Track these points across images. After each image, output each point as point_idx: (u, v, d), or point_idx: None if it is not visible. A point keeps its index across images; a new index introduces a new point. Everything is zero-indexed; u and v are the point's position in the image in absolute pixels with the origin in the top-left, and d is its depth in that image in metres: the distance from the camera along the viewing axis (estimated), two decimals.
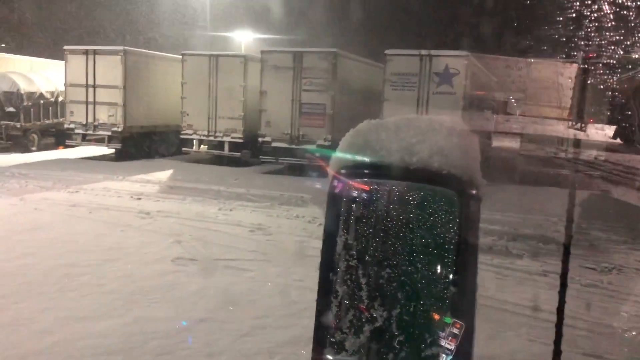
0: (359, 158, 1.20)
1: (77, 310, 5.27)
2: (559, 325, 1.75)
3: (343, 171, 1.22)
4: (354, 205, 1.27)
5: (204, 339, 4.77)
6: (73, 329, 4.84)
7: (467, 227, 1.13)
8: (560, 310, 1.79)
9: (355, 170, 1.22)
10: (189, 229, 8.62)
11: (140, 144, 17.99)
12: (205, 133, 17.44)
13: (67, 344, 4.55)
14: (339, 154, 1.24)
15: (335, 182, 1.23)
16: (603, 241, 9.11)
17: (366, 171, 1.21)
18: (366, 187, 1.24)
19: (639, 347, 5.24)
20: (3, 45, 29.62)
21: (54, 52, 22.32)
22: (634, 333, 5.45)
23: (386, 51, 15.36)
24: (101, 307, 5.36)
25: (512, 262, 7.60)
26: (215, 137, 17.38)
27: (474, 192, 1.13)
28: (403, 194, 1.22)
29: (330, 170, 1.24)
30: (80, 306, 5.36)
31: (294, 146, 15.89)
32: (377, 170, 1.19)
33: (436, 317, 1.16)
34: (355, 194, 1.25)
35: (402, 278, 1.22)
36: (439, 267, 1.19)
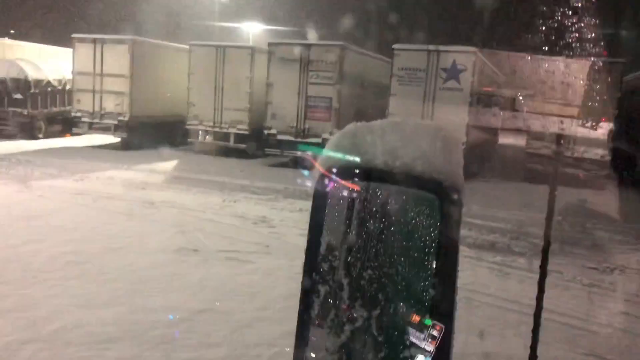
0: (345, 159, 1.21)
1: (80, 297, 5.30)
2: (535, 328, 1.77)
3: (331, 171, 1.23)
4: (338, 206, 1.28)
5: (204, 329, 4.80)
6: (75, 316, 4.88)
7: (448, 230, 1.14)
8: (537, 314, 1.80)
9: (341, 171, 1.23)
10: (193, 220, 8.65)
11: (146, 133, 17.99)
12: (211, 124, 17.44)
13: (68, 331, 4.58)
14: (328, 154, 1.25)
15: (321, 182, 1.25)
16: (606, 241, 9.09)
17: (352, 173, 1.22)
18: (353, 187, 1.25)
19: (639, 347, 5.24)
20: (12, 32, 29.67)
21: (62, 39, 22.31)
22: (634, 333, 5.45)
23: (394, 45, 15.29)
24: (103, 296, 5.40)
25: (514, 260, 7.59)
26: (221, 128, 17.38)
27: (455, 196, 1.14)
28: (386, 197, 1.24)
29: (318, 169, 1.25)
30: (82, 294, 5.40)
31: (299, 139, 15.87)
32: (362, 173, 1.20)
33: (416, 318, 1.17)
34: (340, 194, 1.27)
35: (384, 279, 1.23)
36: (419, 270, 1.21)
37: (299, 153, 15.32)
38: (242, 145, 17.21)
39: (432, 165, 1.14)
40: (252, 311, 5.27)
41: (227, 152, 17.48)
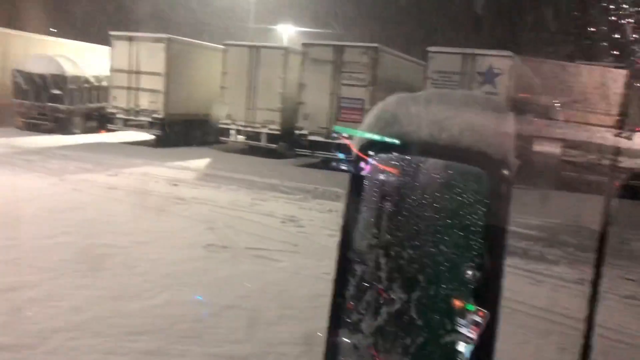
0: (384, 134, 1.15)
1: (109, 289, 5.36)
2: (587, 337, 1.67)
3: (370, 146, 1.17)
4: (376, 182, 1.22)
5: (230, 325, 4.80)
6: (104, 307, 4.93)
7: (497, 209, 1.07)
8: (589, 324, 1.70)
9: (380, 146, 1.16)
10: (222, 217, 8.69)
11: (180, 131, 18.21)
12: (243, 123, 17.54)
13: (97, 321, 4.63)
14: (364, 131, 1.19)
15: (359, 158, 1.19)
16: None
17: (392, 147, 1.15)
18: (390, 167, 1.19)
19: None
20: (54, 30, 30.40)
21: (100, 37, 22.75)
22: None
23: (428, 48, 15.18)
24: (132, 288, 5.44)
25: (547, 268, 7.41)
26: (253, 127, 17.46)
27: (505, 172, 1.06)
28: (430, 172, 1.17)
29: (354, 147, 1.19)
30: (112, 286, 5.46)
31: (330, 140, 15.83)
32: (404, 146, 1.13)
33: (458, 303, 1.10)
34: (379, 170, 1.21)
35: (424, 260, 1.16)
36: (463, 250, 1.13)
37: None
38: (273, 145, 17.26)
39: (481, 137, 1.07)
40: (279, 309, 5.24)
41: (258, 152, 17.55)
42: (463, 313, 1.09)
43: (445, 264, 1.16)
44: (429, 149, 1.11)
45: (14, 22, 23.07)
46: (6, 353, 4.01)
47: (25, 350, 4.07)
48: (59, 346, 4.17)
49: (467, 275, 1.12)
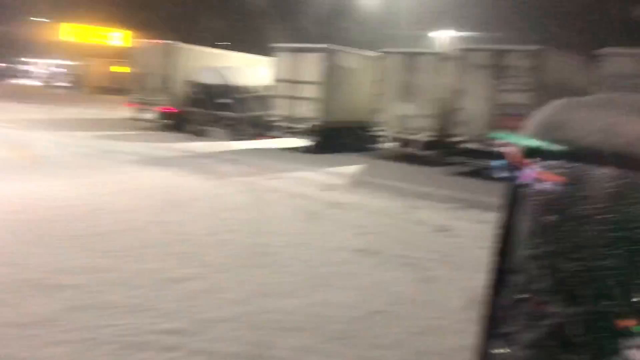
0: (549, 140, 1.08)
1: (266, 286, 5.68)
2: None
3: (529, 154, 1.11)
4: (538, 191, 1.15)
5: (378, 330, 4.83)
6: (261, 302, 5.24)
7: None
8: None
9: (543, 153, 1.10)
10: (373, 223, 8.78)
11: (335, 138, 18.70)
12: (397, 130, 17.56)
13: (255, 315, 4.93)
14: (526, 138, 1.14)
15: (518, 167, 1.14)
16: None
17: (557, 154, 1.08)
18: (554, 176, 1.12)
19: None
20: (229, 43, 33.04)
21: (260, 48, 24.20)
22: None
23: (601, 49, 13.99)
24: (285, 286, 5.71)
25: None
26: (407, 135, 17.40)
27: None
28: (598, 181, 1.08)
29: (515, 154, 1.14)
30: (268, 282, 5.78)
31: (487, 148, 15.22)
32: (570, 154, 1.06)
33: (625, 323, 1.00)
34: (540, 179, 1.14)
35: (589, 274, 1.07)
36: (633, 266, 1.03)
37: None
38: (427, 153, 17.05)
39: None
40: (427, 319, 5.16)
41: (411, 159, 17.44)
42: (631, 334, 0.99)
43: (612, 279, 1.06)
44: (598, 156, 1.02)
45: (186, 36, 25.37)
46: (177, 336, 4.45)
47: (193, 336, 4.47)
48: (221, 335, 4.52)
49: (637, 294, 1.02)
